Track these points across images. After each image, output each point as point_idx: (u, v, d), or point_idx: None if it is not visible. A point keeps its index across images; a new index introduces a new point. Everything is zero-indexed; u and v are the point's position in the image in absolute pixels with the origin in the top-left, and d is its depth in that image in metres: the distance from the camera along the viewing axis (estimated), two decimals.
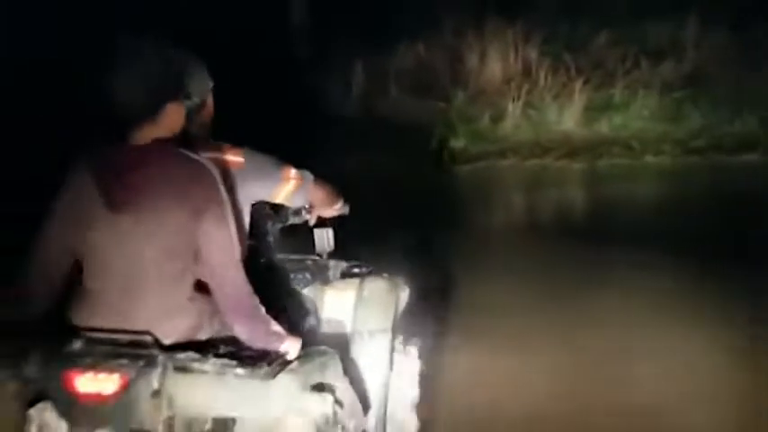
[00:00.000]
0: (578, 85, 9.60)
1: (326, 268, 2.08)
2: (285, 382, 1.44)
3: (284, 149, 1.89)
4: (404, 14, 10.28)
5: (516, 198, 8.72)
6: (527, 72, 9.85)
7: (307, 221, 2.09)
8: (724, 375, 3.42)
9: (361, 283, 2.05)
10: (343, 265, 2.14)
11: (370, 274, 2.11)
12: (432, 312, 3.42)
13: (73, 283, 1.59)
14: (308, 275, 2.03)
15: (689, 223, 6.17)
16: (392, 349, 2.03)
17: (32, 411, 1.43)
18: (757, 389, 3.24)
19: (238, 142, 1.80)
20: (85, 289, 1.55)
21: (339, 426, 1.50)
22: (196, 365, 1.41)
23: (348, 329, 2.00)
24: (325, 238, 2.08)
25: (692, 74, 9.68)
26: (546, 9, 10.12)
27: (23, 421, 1.43)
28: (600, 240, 5.73)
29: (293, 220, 2.05)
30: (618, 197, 7.98)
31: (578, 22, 10.08)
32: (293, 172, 1.76)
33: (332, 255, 2.11)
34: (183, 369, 1.40)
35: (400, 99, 10.03)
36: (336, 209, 2.02)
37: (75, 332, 1.47)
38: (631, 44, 9.83)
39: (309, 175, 1.82)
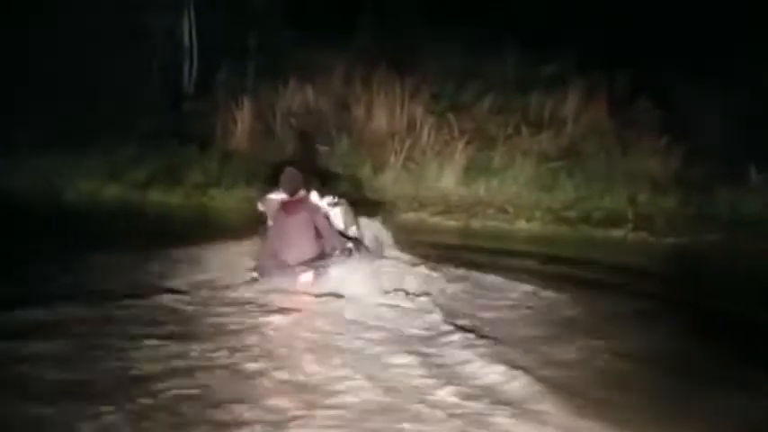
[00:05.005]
0: (460, 145, 9.75)
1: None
2: (355, 257, 4.87)
3: None
4: (294, 56, 10.28)
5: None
6: (411, 127, 9.94)
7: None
8: None
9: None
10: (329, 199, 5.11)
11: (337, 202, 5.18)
12: None
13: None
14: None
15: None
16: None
17: None
18: None
19: None
20: (281, 245, 4.79)
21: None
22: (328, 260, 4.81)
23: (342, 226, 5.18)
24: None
25: (568, 147, 9.96)
26: (434, 68, 10.32)
27: None
28: None
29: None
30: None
31: (465, 85, 10.32)
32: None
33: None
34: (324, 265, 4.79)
35: (284, 138, 9.88)
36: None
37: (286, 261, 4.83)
38: (514, 112, 10.10)
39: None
